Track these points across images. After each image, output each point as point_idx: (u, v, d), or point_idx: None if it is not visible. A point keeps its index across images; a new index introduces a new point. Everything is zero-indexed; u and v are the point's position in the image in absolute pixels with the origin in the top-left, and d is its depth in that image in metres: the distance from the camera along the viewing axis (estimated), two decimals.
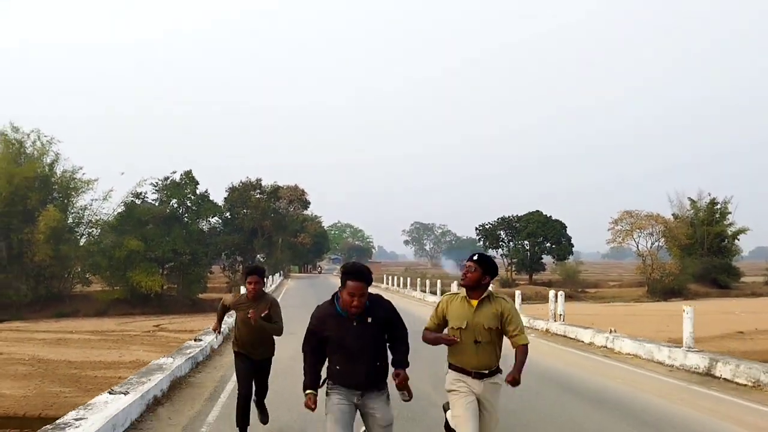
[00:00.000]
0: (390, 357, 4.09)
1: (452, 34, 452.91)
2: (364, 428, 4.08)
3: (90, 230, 43.19)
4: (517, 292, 18.36)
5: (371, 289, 4.00)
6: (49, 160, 40.99)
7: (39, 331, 28.67)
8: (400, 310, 4.20)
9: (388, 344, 4.09)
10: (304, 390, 3.98)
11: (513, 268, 62.84)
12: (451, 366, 4.26)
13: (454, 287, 27.89)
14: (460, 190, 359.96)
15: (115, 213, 43.56)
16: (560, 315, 15.73)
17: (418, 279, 36.78)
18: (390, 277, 45.98)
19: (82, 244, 42.34)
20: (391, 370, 4.02)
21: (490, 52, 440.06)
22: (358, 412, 4.02)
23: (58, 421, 5.74)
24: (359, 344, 3.92)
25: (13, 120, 42.16)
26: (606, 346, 12.77)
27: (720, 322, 25.17)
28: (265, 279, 6.55)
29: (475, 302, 4.15)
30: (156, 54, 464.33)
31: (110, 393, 6.87)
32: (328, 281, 51.44)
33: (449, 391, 4.24)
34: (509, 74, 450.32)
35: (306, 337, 4.11)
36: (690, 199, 59.33)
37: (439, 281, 31.99)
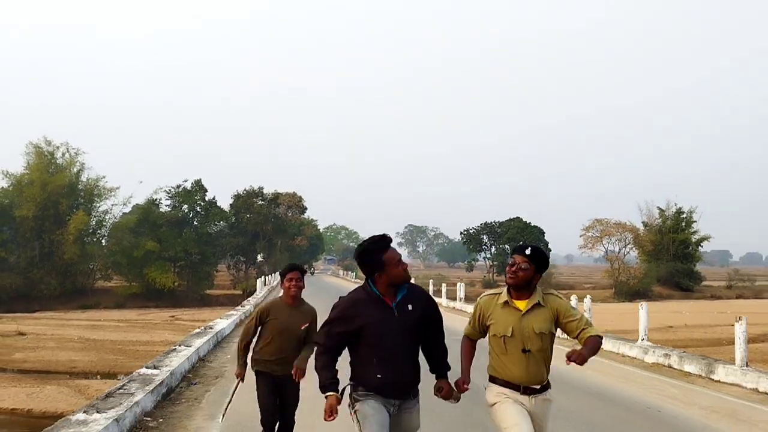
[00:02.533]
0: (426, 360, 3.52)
1: (446, 37, 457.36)
2: None
3: (111, 232, 48.15)
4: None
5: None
6: (75, 170, 46.02)
7: (72, 320, 32.47)
8: None
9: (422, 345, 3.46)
10: (324, 391, 3.21)
11: (495, 270, 67.67)
12: (492, 379, 3.55)
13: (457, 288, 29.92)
14: (454, 194, 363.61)
15: (125, 215, 48.40)
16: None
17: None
18: None
19: (104, 244, 47.55)
20: (424, 377, 3.46)
21: (488, 54, 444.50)
22: None
23: (173, 348, 10.74)
24: (403, 338, 3.27)
25: (46, 134, 47.09)
26: None
27: (662, 318, 27.60)
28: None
29: (522, 304, 3.44)
30: (153, 51, 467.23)
31: (197, 334, 12.44)
32: (321, 280, 56.18)
33: (492, 404, 3.51)
34: (505, 82, 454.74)
35: (327, 328, 3.33)
36: (659, 208, 62.75)
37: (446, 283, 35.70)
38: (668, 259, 59.96)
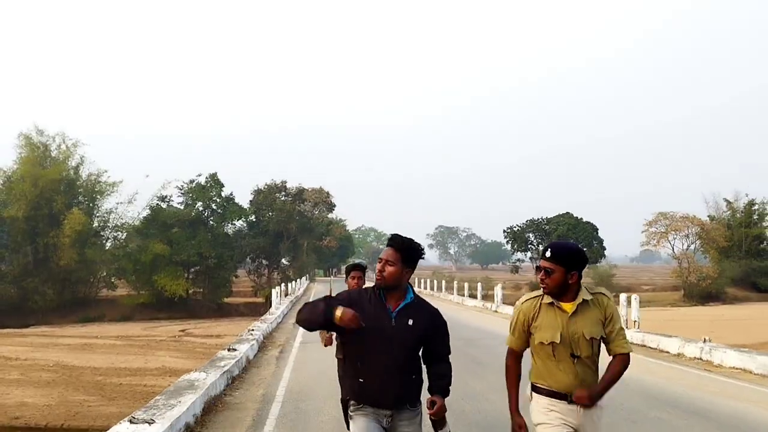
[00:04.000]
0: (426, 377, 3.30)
1: (479, 49, 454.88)
2: None
3: (116, 234, 43.94)
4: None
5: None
6: (74, 163, 41.61)
7: (64, 336, 28.76)
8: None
9: (424, 362, 3.30)
10: (329, 307, 3.02)
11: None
12: (536, 389, 3.24)
13: (498, 290, 25.73)
14: (487, 195, 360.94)
15: (140, 216, 44.26)
16: (635, 321, 14.88)
17: (455, 282, 36.29)
18: (421, 281, 45.43)
19: (107, 248, 43.02)
20: (425, 395, 3.19)
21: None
22: None
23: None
24: (395, 346, 3.10)
25: (38, 123, 42.74)
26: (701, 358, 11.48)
27: (766, 327, 24.20)
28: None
29: (569, 306, 3.13)
30: (180, 59, 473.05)
31: (131, 422, 5.50)
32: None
33: (538, 424, 3.24)
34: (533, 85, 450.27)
35: (326, 298, 3.16)
36: (726, 200, 57.93)
37: (479, 285, 30.65)
38: (740, 256, 54.87)
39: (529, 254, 63.47)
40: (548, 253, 3.11)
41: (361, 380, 3.13)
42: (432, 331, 3.21)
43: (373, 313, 3.08)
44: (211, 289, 44.87)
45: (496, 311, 23.99)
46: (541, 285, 3.16)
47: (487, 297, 29.95)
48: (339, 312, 2.97)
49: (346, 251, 74.66)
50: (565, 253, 3.10)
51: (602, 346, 3.19)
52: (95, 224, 42.18)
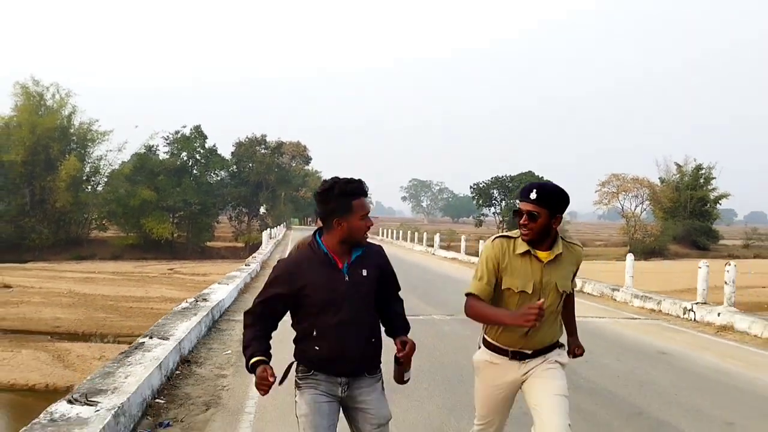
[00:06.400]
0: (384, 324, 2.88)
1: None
2: None
3: (106, 179, 46.22)
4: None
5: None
6: (67, 112, 43.59)
7: (65, 271, 30.83)
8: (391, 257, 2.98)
9: (379, 305, 2.84)
10: (250, 359, 2.56)
11: (505, 226, 65.58)
12: (485, 343, 2.96)
13: (436, 238, 31.05)
14: (461, 149, 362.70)
15: (123, 164, 46.39)
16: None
17: (408, 232, 40.59)
18: (385, 230, 49.31)
19: (98, 192, 45.45)
20: (386, 340, 2.82)
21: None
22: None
23: (202, 292, 10.07)
24: (353, 306, 2.66)
25: (34, 74, 44.63)
26: None
27: (686, 279, 27.35)
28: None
29: (545, 255, 2.81)
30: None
31: (219, 284, 11.92)
32: None
33: (476, 376, 3.04)
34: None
35: (261, 293, 2.73)
36: (676, 164, 60.65)
37: (424, 235, 35.13)
38: (685, 216, 58.11)
39: (492, 209, 67.24)
40: (533, 194, 2.73)
41: (317, 348, 2.66)
42: (384, 269, 2.81)
43: (320, 275, 2.64)
44: (194, 233, 47.47)
45: (433, 254, 30.02)
46: (522, 231, 2.80)
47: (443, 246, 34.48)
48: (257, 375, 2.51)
49: None
50: (552, 194, 2.77)
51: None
52: (87, 170, 44.44)
